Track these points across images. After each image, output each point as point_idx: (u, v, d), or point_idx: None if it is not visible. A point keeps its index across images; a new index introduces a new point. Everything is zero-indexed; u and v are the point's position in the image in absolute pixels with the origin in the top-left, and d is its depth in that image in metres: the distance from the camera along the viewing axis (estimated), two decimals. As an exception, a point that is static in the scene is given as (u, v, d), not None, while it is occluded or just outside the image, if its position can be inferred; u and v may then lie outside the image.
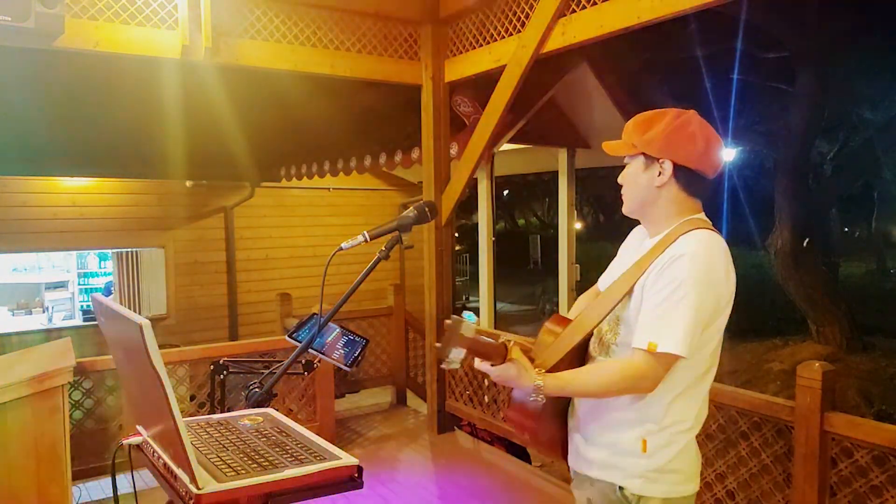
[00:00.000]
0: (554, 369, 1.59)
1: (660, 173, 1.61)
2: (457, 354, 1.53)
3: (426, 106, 4.75)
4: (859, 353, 9.48)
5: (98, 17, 3.48)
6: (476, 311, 6.84)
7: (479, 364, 1.60)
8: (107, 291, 9.21)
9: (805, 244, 9.65)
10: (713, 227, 1.62)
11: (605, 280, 1.82)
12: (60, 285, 10.92)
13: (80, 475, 3.63)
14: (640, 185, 1.64)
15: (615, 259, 1.84)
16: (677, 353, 1.47)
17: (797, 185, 9.78)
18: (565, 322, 1.72)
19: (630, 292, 1.58)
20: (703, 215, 1.64)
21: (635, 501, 1.59)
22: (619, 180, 1.69)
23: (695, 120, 1.63)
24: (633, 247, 1.76)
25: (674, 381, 1.55)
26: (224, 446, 1.41)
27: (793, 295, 10.02)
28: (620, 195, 1.70)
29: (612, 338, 1.64)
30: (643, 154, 1.62)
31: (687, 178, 1.60)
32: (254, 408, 1.75)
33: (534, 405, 1.61)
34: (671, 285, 1.49)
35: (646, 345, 1.49)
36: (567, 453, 1.77)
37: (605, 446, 1.64)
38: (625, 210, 1.71)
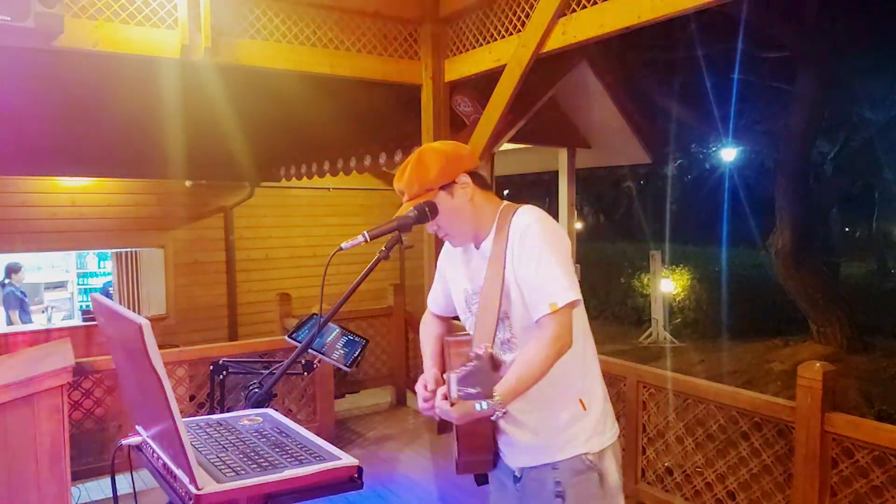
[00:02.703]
0: None
1: (463, 187, 1.71)
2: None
3: (426, 106, 4.75)
4: (860, 354, 9.48)
5: (97, 17, 3.48)
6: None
7: (442, 404, 1.52)
8: (104, 293, 9.20)
9: (806, 244, 9.65)
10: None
11: (433, 297, 1.98)
12: (59, 285, 10.93)
13: (79, 475, 3.63)
14: (460, 210, 1.72)
15: (438, 277, 1.97)
16: (574, 298, 1.58)
17: (797, 185, 9.79)
18: (463, 342, 1.73)
19: (503, 288, 1.64)
20: (507, 202, 1.78)
21: (596, 461, 1.68)
22: (438, 231, 1.76)
23: (433, 146, 1.76)
24: (458, 260, 1.85)
25: (574, 331, 1.64)
26: (224, 446, 1.41)
27: (793, 295, 10.02)
28: (446, 236, 1.78)
29: (508, 334, 1.70)
30: (441, 188, 1.70)
31: (474, 179, 1.74)
32: (253, 408, 1.75)
33: (491, 424, 1.66)
34: (534, 252, 1.61)
35: (548, 308, 1.57)
36: (493, 462, 1.80)
37: (553, 427, 1.68)
38: (459, 244, 1.80)
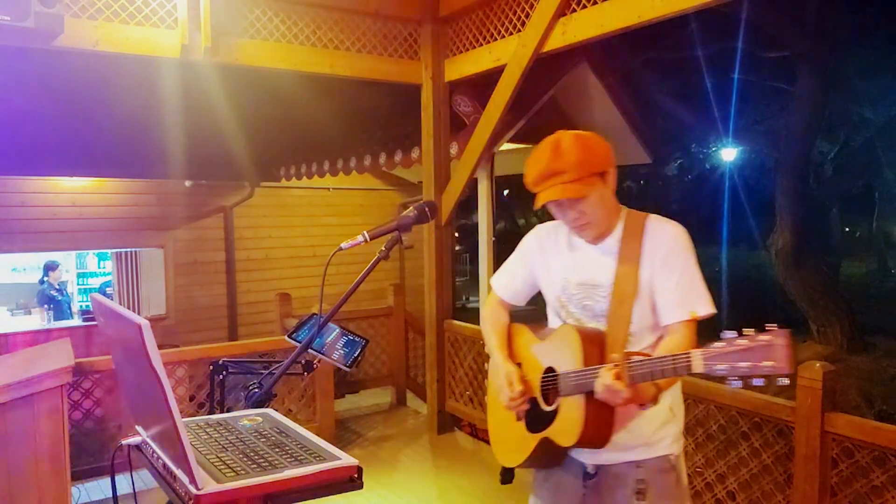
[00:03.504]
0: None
1: (614, 176, 1.71)
2: None
3: (426, 106, 4.75)
4: (860, 354, 9.48)
5: (97, 17, 3.48)
6: (476, 311, 6.82)
7: (615, 384, 1.49)
8: (103, 293, 9.20)
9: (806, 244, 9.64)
10: None
11: (507, 283, 1.96)
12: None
13: (79, 475, 3.63)
14: (607, 201, 1.70)
15: (519, 261, 1.94)
16: (711, 311, 1.65)
17: (798, 185, 9.78)
18: (592, 333, 1.70)
19: (638, 287, 1.67)
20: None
21: (676, 462, 1.76)
22: (577, 219, 1.69)
23: (578, 132, 1.71)
24: (559, 249, 1.82)
25: None
26: (223, 447, 1.41)
27: (793, 295, 10.02)
28: (584, 225, 1.71)
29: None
30: (599, 174, 1.67)
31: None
32: (253, 408, 1.75)
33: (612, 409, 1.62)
34: (680, 260, 1.67)
35: (688, 315, 1.64)
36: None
37: (647, 425, 1.72)
38: (592, 234, 1.73)
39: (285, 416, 1.63)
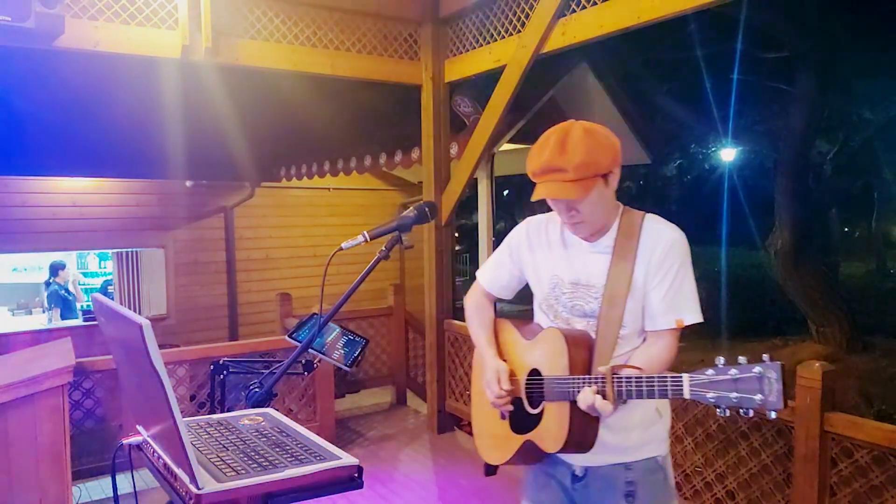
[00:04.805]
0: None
1: (616, 176, 1.65)
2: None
3: (426, 106, 4.75)
4: (859, 353, 9.48)
5: (98, 17, 3.48)
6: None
7: (595, 399, 1.48)
8: (103, 293, 9.22)
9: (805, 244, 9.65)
10: None
11: (494, 276, 1.92)
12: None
13: (80, 475, 3.63)
14: (605, 202, 1.65)
15: (507, 254, 1.88)
16: (698, 320, 1.65)
17: (797, 185, 9.78)
18: (580, 337, 1.67)
19: (630, 288, 1.64)
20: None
21: (664, 463, 1.75)
22: (572, 217, 1.64)
23: (591, 126, 1.64)
24: (552, 246, 1.77)
25: None
26: (224, 446, 1.41)
27: (793, 295, 10.02)
28: (578, 224, 1.66)
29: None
30: (603, 175, 1.61)
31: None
32: (254, 408, 1.75)
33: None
34: (674, 266, 1.64)
35: (674, 323, 1.63)
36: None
37: (635, 427, 1.71)
38: (585, 232, 1.69)
39: (286, 415, 1.64)
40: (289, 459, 1.33)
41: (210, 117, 6.73)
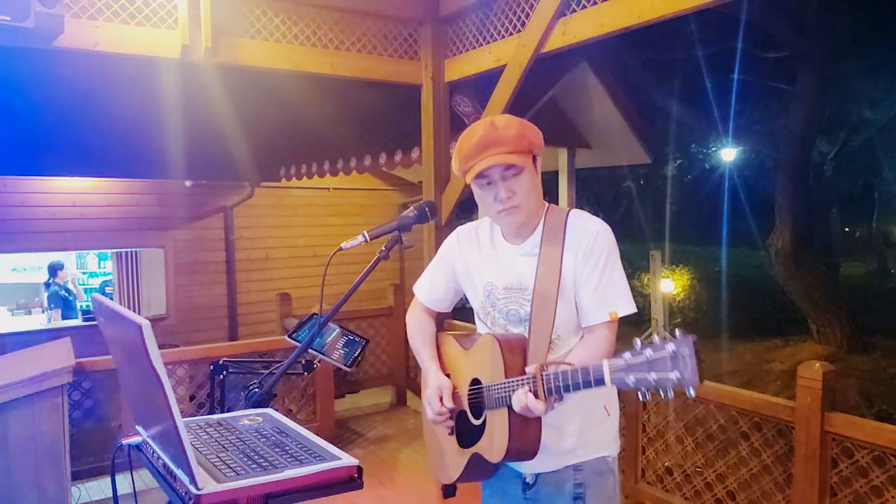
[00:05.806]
0: None
1: (538, 167, 1.67)
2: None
3: (426, 106, 4.75)
4: (860, 354, 9.48)
5: (98, 17, 3.48)
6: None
7: (527, 399, 1.45)
8: (102, 292, 9.23)
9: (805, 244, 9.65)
10: None
11: (431, 290, 1.88)
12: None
13: (79, 475, 3.63)
14: (537, 189, 1.65)
15: (440, 266, 1.85)
16: (633, 311, 1.62)
17: (797, 185, 9.78)
18: (513, 341, 1.63)
19: (559, 289, 1.61)
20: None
21: (613, 463, 1.73)
22: (510, 199, 1.59)
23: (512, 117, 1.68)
24: (481, 252, 1.76)
25: None
26: (224, 446, 1.41)
27: (793, 295, 10.02)
28: (514, 208, 1.61)
29: (555, 335, 1.66)
30: (532, 155, 1.61)
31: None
32: (253, 408, 1.75)
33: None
34: (601, 259, 1.62)
35: (608, 316, 1.61)
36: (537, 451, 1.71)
37: (581, 428, 1.68)
38: (518, 222, 1.65)
39: (285, 415, 1.64)
40: (288, 460, 1.33)
41: (210, 117, 6.73)
